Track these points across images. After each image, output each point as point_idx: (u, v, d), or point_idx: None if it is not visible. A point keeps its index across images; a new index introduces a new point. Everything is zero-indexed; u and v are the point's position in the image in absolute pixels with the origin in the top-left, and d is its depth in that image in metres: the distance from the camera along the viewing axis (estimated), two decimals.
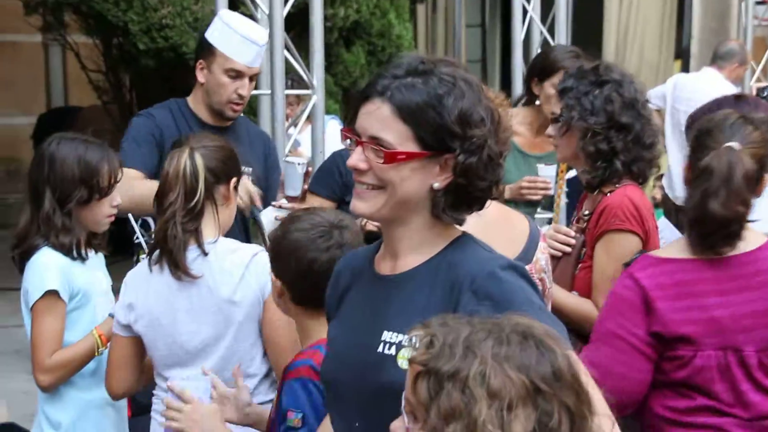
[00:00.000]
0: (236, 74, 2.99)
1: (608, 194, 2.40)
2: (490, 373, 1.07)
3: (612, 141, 2.37)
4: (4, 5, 8.28)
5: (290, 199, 2.85)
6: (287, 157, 3.63)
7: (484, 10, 10.87)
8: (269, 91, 4.01)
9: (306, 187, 2.93)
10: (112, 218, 2.57)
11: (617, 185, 2.41)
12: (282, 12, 3.84)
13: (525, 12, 5.71)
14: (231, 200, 2.30)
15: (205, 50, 3.04)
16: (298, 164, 2.95)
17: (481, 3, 10.79)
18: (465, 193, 1.49)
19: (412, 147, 1.45)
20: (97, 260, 2.60)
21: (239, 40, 2.99)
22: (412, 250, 1.52)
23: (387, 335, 1.47)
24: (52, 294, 2.39)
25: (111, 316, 2.36)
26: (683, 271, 1.99)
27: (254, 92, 4.33)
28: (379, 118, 1.46)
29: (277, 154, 3.52)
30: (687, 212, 2.03)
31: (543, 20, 5.90)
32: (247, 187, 2.78)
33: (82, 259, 2.48)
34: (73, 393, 2.52)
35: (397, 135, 1.44)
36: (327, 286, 1.67)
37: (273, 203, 2.92)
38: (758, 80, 7.62)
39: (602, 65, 2.50)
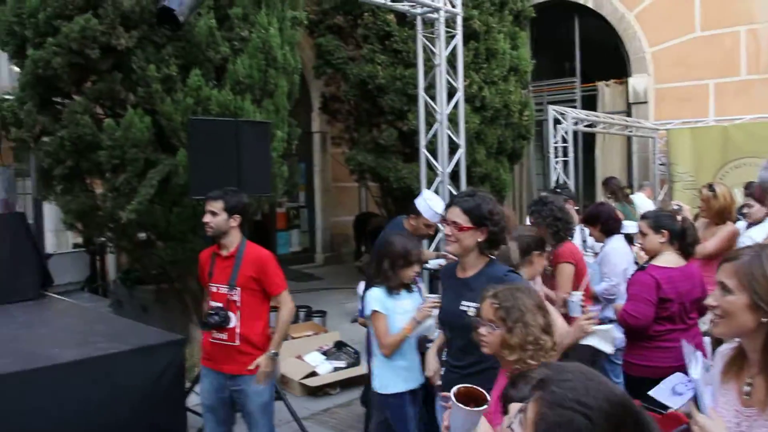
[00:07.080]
0: (427, 224, 5.32)
1: None
2: (522, 303, 2.43)
3: None
4: None
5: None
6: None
7: None
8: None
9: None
10: (419, 274, 4.20)
11: None
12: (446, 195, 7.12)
13: None
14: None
15: (415, 210, 5.31)
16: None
17: None
18: (495, 242, 2.98)
19: (469, 224, 2.92)
20: (405, 293, 4.12)
21: (432, 213, 5.21)
22: (471, 267, 3.02)
23: (464, 304, 2.90)
24: (374, 312, 4.00)
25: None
26: None
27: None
28: (455, 214, 2.96)
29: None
30: None
31: None
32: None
33: (396, 293, 4.03)
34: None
35: (462, 220, 2.93)
36: None
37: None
38: None
39: None
